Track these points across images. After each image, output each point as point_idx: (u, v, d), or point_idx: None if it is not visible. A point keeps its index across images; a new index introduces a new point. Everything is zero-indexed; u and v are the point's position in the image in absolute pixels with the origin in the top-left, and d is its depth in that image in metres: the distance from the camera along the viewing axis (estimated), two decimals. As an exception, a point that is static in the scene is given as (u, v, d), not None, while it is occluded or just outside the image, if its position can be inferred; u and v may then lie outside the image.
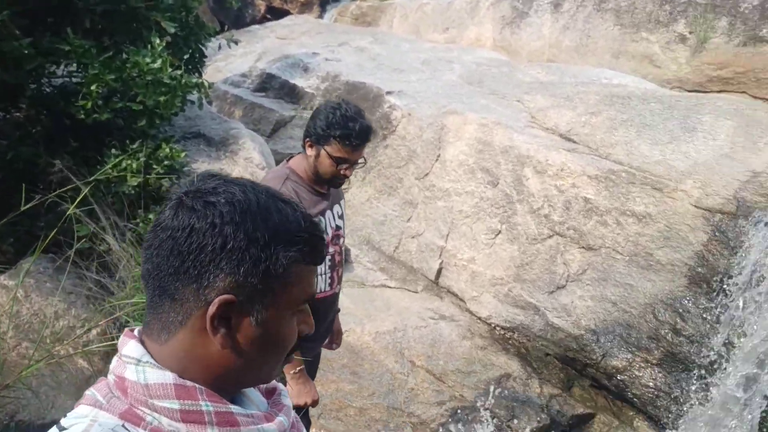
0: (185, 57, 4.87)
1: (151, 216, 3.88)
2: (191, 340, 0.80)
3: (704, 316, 3.06)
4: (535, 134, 4.37)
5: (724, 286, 3.01)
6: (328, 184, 2.24)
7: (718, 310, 2.99)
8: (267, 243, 0.79)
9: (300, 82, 6.27)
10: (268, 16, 9.38)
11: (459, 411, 3.18)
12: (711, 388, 2.89)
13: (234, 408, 0.81)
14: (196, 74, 4.88)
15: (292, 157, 2.32)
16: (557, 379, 3.48)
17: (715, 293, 3.04)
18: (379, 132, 5.28)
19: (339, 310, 2.55)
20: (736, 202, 3.14)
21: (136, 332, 0.84)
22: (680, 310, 3.16)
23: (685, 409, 2.99)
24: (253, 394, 0.92)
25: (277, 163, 5.15)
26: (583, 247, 3.67)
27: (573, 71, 5.71)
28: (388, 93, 5.51)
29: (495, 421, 3.10)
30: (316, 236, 0.85)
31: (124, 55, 4.05)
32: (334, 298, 2.40)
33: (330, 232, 2.31)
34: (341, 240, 2.42)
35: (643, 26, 6.24)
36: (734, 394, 2.77)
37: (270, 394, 0.95)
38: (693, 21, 5.85)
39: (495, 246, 4.07)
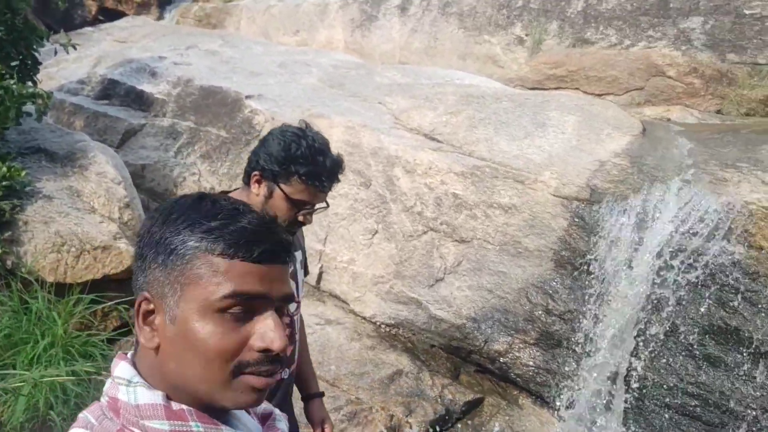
0: (15, 64, 4.34)
1: (-10, 244, 3.42)
2: (144, 350, 0.81)
3: (571, 294, 3.36)
4: (401, 135, 4.49)
5: (586, 266, 3.32)
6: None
7: (583, 288, 3.30)
8: (174, 233, 0.78)
9: (148, 87, 5.87)
10: (101, 18, 8.67)
11: (357, 414, 3.18)
12: (583, 359, 3.19)
13: (225, 429, 0.80)
14: (30, 83, 4.37)
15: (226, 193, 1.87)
16: (445, 369, 3.62)
17: (579, 273, 3.35)
18: (242, 138, 5.11)
19: (321, 394, 2.08)
20: (589, 190, 3.48)
21: (129, 354, 0.83)
22: (550, 292, 3.44)
23: (563, 382, 3.26)
24: (247, 419, 0.89)
25: (133, 176, 4.78)
26: (456, 240, 3.84)
27: (427, 73, 5.95)
28: (248, 97, 5.36)
29: (393, 419, 3.15)
30: (231, 222, 0.79)
31: (-58, 62, 3.53)
32: (277, 388, 1.81)
33: None
34: (290, 307, 1.78)
35: (484, 29, 6.68)
36: (606, 361, 3.08)
37: (265, 419, 0.93)
38: (528, 24, 6.38)
39: (373, 246, 4.13)
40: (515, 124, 4.20)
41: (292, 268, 1.80)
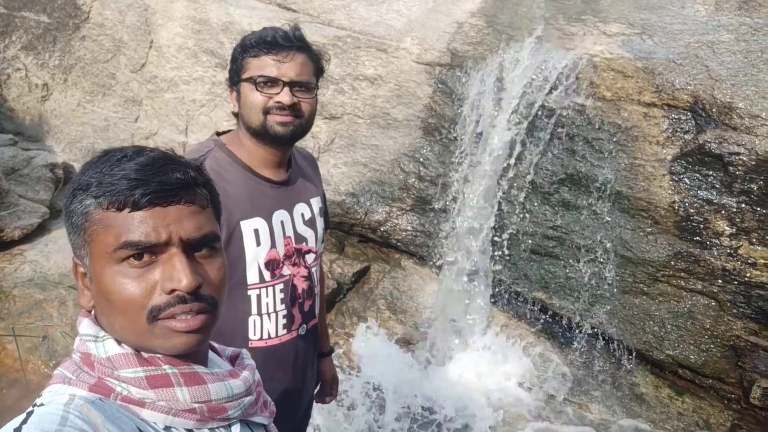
0: None
1: None
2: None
3: (441, 159, 3.52)
4: (253, 6, 4.18)
5: (453, 130, 3.47)
6: (271, 139, 1.52)
7: (451, 151, 3.46)
8: (73, 196, 0.81)
9: (-68, -35, 4.85)
10: None
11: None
12: (455, 219, 3.44)
13: (198, 368, 0.83)
14: None
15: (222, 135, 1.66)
16: (331, 245, 3.75)
17: (446, 138, 3.49)
18: (68, 22, 4.49)
19: (331, 351, 2.00)
20: (450, 54, 3.53)
21: (93, 312, 0.85)
22: (421, 159, 3.58)
23: (439, 241, 3.52)
24: (220, 361, 0.93)
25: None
26: (326, 118, 3.81)
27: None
28: (65, -28, 4.62)
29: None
30: (114, 173, 0.78)
31: None
32: (296, 344, 1.64)
33: (282, 243, 1.57)
34: (308, 258, 1.64)
35: None
36: (472, 224, 3.35)
37: (234, 360, 0.97)
38: None
39: (241, 131, 3.98)
40: (371, -14, 4.04)
41: (310, 215, 1.65)
